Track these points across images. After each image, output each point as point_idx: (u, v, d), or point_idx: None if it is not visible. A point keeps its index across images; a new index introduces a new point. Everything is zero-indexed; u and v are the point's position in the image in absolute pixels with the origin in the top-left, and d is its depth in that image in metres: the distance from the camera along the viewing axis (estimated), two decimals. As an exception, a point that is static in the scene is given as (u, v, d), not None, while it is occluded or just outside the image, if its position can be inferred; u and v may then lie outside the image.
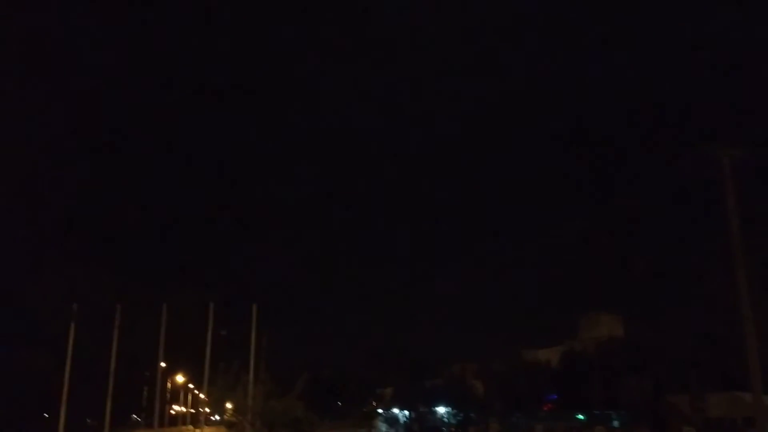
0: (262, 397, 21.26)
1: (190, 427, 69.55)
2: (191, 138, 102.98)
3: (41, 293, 34.72)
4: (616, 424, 38.93)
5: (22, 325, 36.76)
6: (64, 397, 21.15)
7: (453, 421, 45.15)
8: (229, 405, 25.66)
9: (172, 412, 75.05)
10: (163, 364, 28.43)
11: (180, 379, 58.21)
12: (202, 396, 76.29)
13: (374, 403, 53.85)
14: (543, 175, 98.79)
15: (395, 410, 52.12)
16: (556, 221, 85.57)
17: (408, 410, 49.41)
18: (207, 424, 32.89)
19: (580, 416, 40.53)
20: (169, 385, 52.57)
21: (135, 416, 72.89)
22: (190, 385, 70.57)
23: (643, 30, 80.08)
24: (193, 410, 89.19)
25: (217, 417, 58.71)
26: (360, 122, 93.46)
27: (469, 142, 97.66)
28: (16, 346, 40.20)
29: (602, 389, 38.96)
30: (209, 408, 34.38)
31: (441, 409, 47.48)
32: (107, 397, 23.89)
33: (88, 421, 41.72)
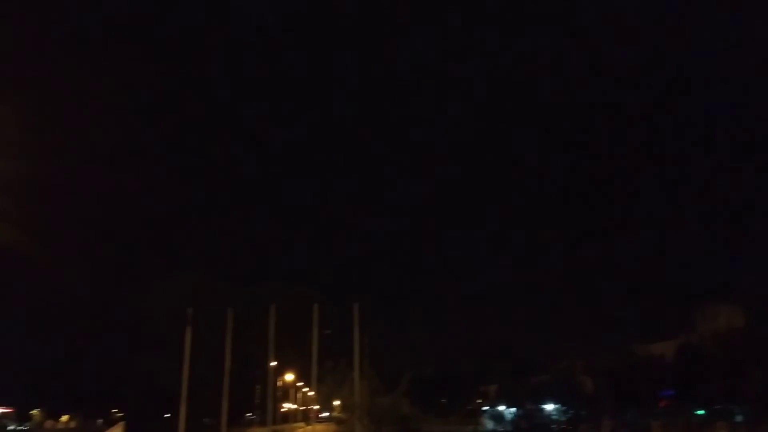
0: (368, 395, 21.57)
1: (302, 424, 71.84)
2: (295, 141, 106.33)
3: (159, 300, 36.85)
4: (739, 419, 36.55)
5: (143, 330, 39.21)
6: (183, 396, 22.34)
7: (562, 418, 43.83)
8: (336, 402, 26.26)
9: (283, 409, 77.90)
10: (273, 364, 29.41)
11: (289, 377, 60.20)
12: (310, 393, 78.58)
13: (479, 401, 53.25)
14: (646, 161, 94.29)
15: (501, 407, 51.30)
16: (662, 210, 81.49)
17: (514, 407, 48.45)
18: (317, 421, 33.73)
19: (700, 411, 38.38)
20: (279, 383, 54.53)
21: (249, 414, 76.22)
22: (299, 383, 72.90)
23: None
24: (302, 407, 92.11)
25: (326, 414, 60.05)
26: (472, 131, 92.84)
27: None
28: (138, 350, 43.10)
29: (723, 383, 36.78)
30: (317, 405, 35.23)
31: (549, 406, 46.25)
32: (223, 396, 24.99)
33: (206, 420, 43.98)
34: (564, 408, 44.06)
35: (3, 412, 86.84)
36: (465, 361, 48.10)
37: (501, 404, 50.96)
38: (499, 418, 50.00)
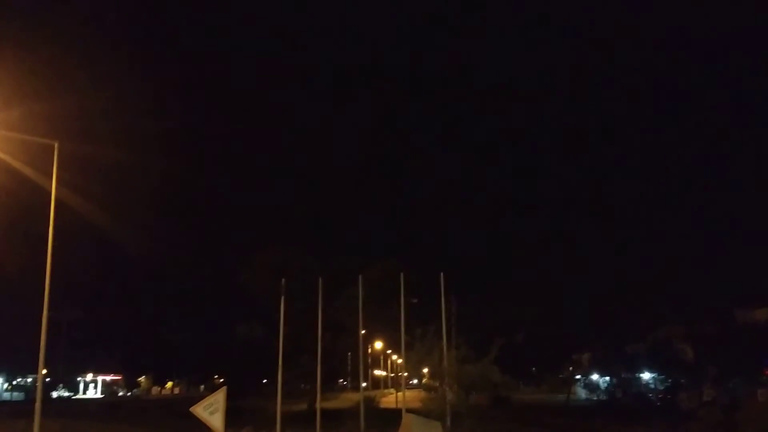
0: (457, 362, 21.60)
1: (392, 390, 73.40)
2: (378, 116, 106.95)
3: (254, 271, 38.23)
4: None
5: (241, 300, 40.96)
6: (280, 363, 23.20)
7: (660, 387, 42.35)
8: (425, 369, 26.48)
9: (374, 376, 79.88)
10: (362, 332, 29.96)
11: (378, 345, 61.48)
12: (399, 361, 79.89)
13: (571, 369, 52.31)
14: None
15: (594, 376, 50.16)
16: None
17: (609, 376, 47.22)
18: (407, 388, 34.25)
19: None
20: (369, 351, 55.81)
21: (341, 381, 78.64)
22: (388, 351, 74.34)
23: None
24: (392, 374, 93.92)
25: (415, 381, 61.06)
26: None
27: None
28: (237, 320, 45.21)
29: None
30: (406, 372, 35.77)
31: (645, 375, 44.78)
32: (317, 363, 25.77)
33: (302, 385, 45.72)
34: (662, 377, 42.56)
35: (112, 379, 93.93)
36: (557, 329, 47.11)
37: (594, 373, 49.85)
38: (593, 387, 48.94)
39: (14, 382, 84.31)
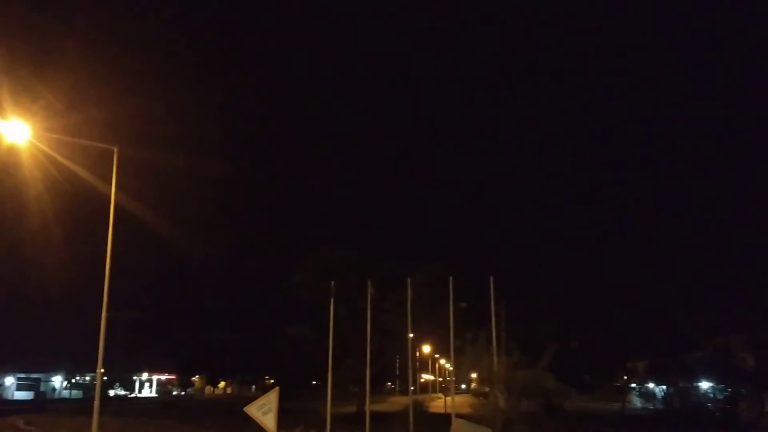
0: (508, 368, 21.27)
1: (440, 394, 72.98)
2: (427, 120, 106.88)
3: (304, 274, 38.62)
4: None
5: (291, 303, 41.48)
6: (330, 365, 23.32)
7: (719, 396, 40.78)
8: (473, 375, 26.17)
9: (422, 380, 79.56)
10: (410, 335, 29.87)
11: (426, 349, 61.22)
12: (447, 365, 79.27)
13: (625, 377, 50.97)
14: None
15: (650, 385, 48.71)
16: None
17: (665, 385, 45.75)
18: (456, 393, 34.00)
19: None
20: (417, 354, 55.61)
21: (389, 384, 78.71)
22: (436, 355, 73.95)
23: None
24: (440, 379, 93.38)
25: (463, 386, 60.38)
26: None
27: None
28: (288, 322, 45.75)
29: None
30: (454, 377, 35.49)
31: (703, 384, 43.20)
32: (366, 365, 25.80)
33: (351, 387, 45.96)
34: (721, 386, 40.99)
35: (167, 379, 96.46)
36: (611, 335, 45.93)
37: (650, 381, 48.42)
38: (649, 396, 47.54)
39: (73, 381, 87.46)
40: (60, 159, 17.06)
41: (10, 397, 76.98)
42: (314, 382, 63.66)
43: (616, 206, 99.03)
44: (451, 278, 25.11)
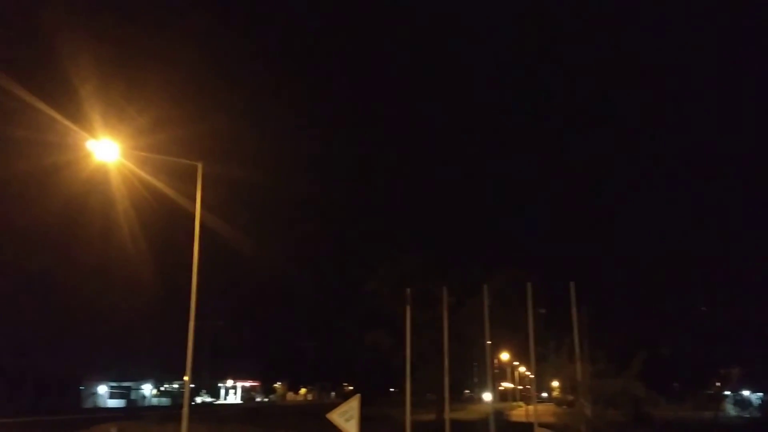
0: (593, 376, 20.59)
1: (521, 403, 71.53)
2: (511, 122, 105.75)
3: (380, 281, 38.78)
4: None
5: (368, 310, 41.67)
6: (408, 373, 23.26)
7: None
8: (555, 383, 25.48)
9: (501, 388, 78.26)
10: (488, 342, 29.37)
11: (504, 356, 60.17)
12: (527, 373, 77.62)
13: (718, 384, 48.46)
14: None
15: (745, 392, 46.09)
16: None
17: (762, 392, 43.16)
18: (537, 401, 33.26)
19: None
20: (495, 362, 54.74)
21: (467, 391, 77.84)
22: (515, 363, 72.54)
23: None
24: (520, 387, 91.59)
25: (544, 394, 58.66)
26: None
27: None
28: (365, 329, 45.98)
29: None
30: (534, 385, 34.66)
31: (805, 392, 40.50)
32: (444, 372, 25.59)
33: (428, 395, 45.67)
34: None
35: (251, 385, 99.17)
36: (704, 341, 43.74)
37: (745, 389, 45.82)
38: (744, 404, 45.03)
39: (162, 389, 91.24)
40: (145, 176, 17.84)
41: (103, 405, 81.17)
42: (391, 389, 63.80)
43: (708, 204, 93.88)
44: (529, 284, 24.54)
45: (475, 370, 48.94)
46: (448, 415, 26.11)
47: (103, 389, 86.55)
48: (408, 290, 24.08)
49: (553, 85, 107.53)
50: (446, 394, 26.80)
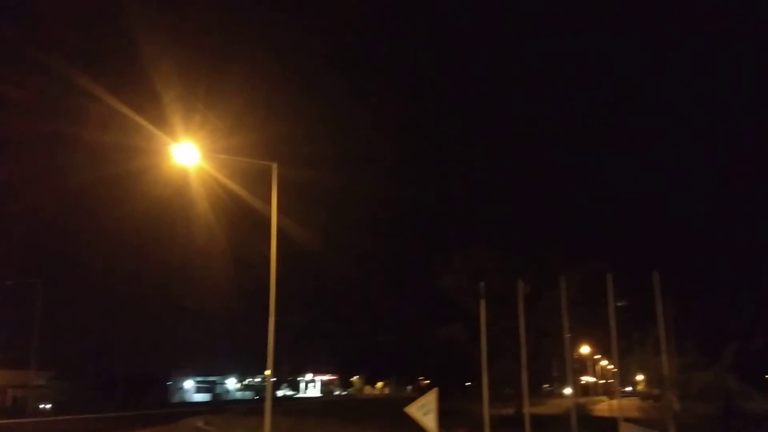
0: (681, 369, 19.81)
1: (603, 397, 69.56)
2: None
3: (454, 274, 38.65)
4: None
5: (443, 303, 41.64)
6: (484, 367, 23.06)
7: None
8: (640, 376, 24.61)
9: (581, 382, 76.32)
10: (567, 336, 28.71)
11: (584, 350, 58.69)
12: (609, 366, 75.38)
13: (816, 376, 45.51)
14: None
15: None
16: None
17: None
18: (621, 395, 32.22)
19: None
20: (575, 355, 53.41)
21: (546, 386, 76.31)
22: (596, 356, 70.60)
23: None
24: (602, 381, 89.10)
25: (629, 388, 56.99)
26: None
27: None
28: (440, 323, 45.95)
29: None
30: (617, 379, 33.61)
31: None
32: (522, 367, 25.21)
33: (506, 390, 45.10)
34: None
35: (329, 379, 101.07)
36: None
37: None
38: None
39: (244, 383, 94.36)
40: (221, 178, 18.46)
41: (189, 400, 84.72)
42: (467, 384, 63.43)
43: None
44: (609, 275, 23.82)
45: (554, 364, 47.97)
46: (527, 409, 25.68)
47: (189, 384, 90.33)
48: (482, 284, 23.82)
49: (633, 80, 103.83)
50: (525, 389, 26.37)
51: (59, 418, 42.00)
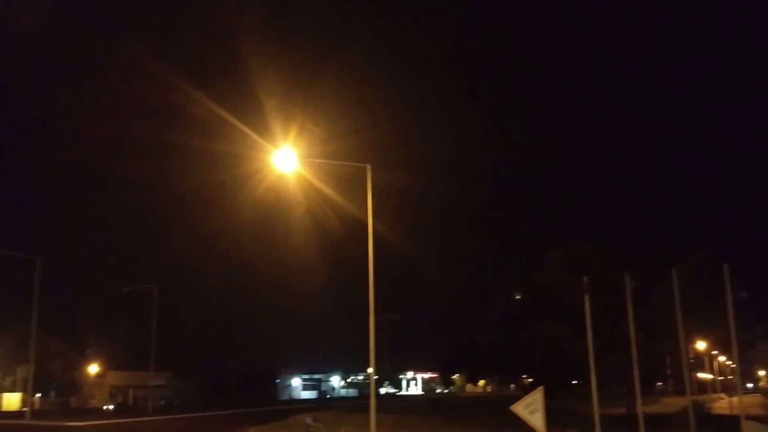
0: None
1: (722, 395, 65.37)
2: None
3: (556, 269, 37.66)
4: None
5: (542, 300, 40.65)
6: (591, 365, 22.24)
7: None
8: (762, 372, 22.99)
9: (698, 379, 72.00)
10: (681, 331, 27.20)
11: (700, 345, 55.40)
12: (728, 362, 70.76)
13: None
14: None
15: None
16: None
17: None
18: (743, 392, 30.23)
19: None
20: (690, 351, 50.43)
21: (659, 384, 72.66)
22: (714, 352, 66.39)
23: None
24: (720, 377, 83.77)
25: (750, 384, 53.17)
26: None
27: None
28: (541, 320, 44.91)
29: None
30: (737, 375, 31.47)
31: None
32: (633, 364, 24.14)
33: (617, 388, 43.35)
34: None
35: (430, 377, 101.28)
36: None
37: None
38: None
39: (348, 380, 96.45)
40: (317, 183, 18.95)
41: (297, 397, 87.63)
42: (574, 382, 61.51)
43: None
44: (726, 266, 22.32)
45: (667, 360, 45.65)
46: (640, 408, 24.56)
47: (296, 382, 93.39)
48: (585, 278, 22.99)
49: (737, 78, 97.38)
50: (637, 387, 25.24)
51: (177, 416, 44.42)
